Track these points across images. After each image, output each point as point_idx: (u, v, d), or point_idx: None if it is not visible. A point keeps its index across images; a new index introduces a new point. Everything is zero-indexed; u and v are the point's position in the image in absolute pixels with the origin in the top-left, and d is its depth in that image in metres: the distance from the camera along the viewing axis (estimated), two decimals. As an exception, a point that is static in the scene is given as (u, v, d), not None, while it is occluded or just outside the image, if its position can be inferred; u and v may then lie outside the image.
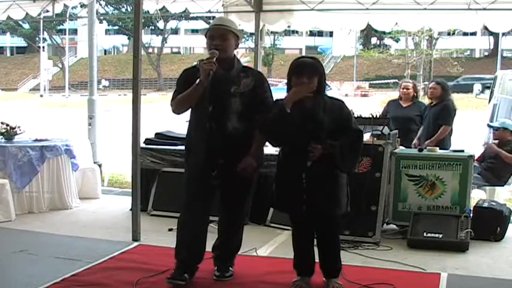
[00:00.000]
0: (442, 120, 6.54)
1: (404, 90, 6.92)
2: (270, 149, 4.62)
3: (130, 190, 5.38)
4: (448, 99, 6.69)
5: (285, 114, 3.66)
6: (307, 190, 3.73)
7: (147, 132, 6.22)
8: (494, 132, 6.59)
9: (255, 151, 3.93)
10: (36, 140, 6.45)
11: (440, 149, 5.82)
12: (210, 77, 3.77)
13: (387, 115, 6.56)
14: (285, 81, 3.92)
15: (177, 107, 3.96)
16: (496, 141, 6.62)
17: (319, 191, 3.73)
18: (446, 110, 6.57)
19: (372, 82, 42.99)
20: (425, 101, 7.19)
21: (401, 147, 5.85)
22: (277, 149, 4.03)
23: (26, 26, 48.45)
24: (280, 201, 3.92)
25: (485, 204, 5.48)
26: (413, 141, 6.59)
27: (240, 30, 4.06)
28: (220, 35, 3.91)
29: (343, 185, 3.85)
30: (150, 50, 49.07)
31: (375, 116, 5.52)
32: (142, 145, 5.99)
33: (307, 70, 3.75)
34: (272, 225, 5.64)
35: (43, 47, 46.80)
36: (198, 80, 3.80)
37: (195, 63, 4.01)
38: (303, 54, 46.11)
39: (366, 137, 5.47)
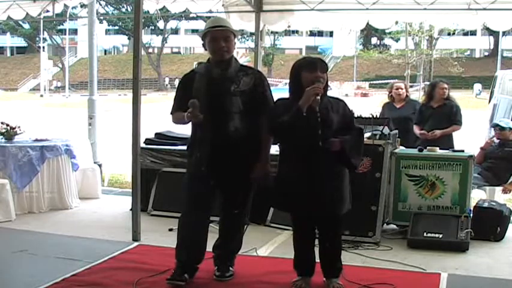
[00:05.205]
0: (456, 121, 6.64)
1: (398, 90, 6.96)
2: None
3: (131, 190, 5.38)
4: (453, 99, 6.80)
5: (301, 117, 3.60)
6: (314, 188, 3.70)
7: (147, 132, 6.22)
8: (500, 132, 6.59)
9: (265, 156, 3.94)
10: (36, 140, 6.44)
11: (447, 145, 5.88)
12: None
13: None
14: (285, 81, 3.91)
15: (175, 122, 4.09)
16: (498, 140, 6.63)
17: (327, 189, 3.73)
18: (459, 112, 6.69)
19: (372, 82, 43.04)
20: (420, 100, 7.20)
21: (402, 147, 5.85)
22: (277, 148, 4.01)
23: (26, 26, 48.53)
24: (283, 200, 3.88)
25: (485, 204, 5.48)
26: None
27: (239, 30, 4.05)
28: (224, 37, 3.90)
29: (347, 183, 3.87)
30: (150, 50, 49.12)
31: (375, 116, 5.52)
32: (143, 145, 5.98)
33: (320, 65, 3.74)
34: (272, 225, 5.63)
35: (43, 47, 46.85)
36: (186, 113, 3.79)
37: (195, 63, 4.01)
38: (303, 54, 46.25)
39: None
